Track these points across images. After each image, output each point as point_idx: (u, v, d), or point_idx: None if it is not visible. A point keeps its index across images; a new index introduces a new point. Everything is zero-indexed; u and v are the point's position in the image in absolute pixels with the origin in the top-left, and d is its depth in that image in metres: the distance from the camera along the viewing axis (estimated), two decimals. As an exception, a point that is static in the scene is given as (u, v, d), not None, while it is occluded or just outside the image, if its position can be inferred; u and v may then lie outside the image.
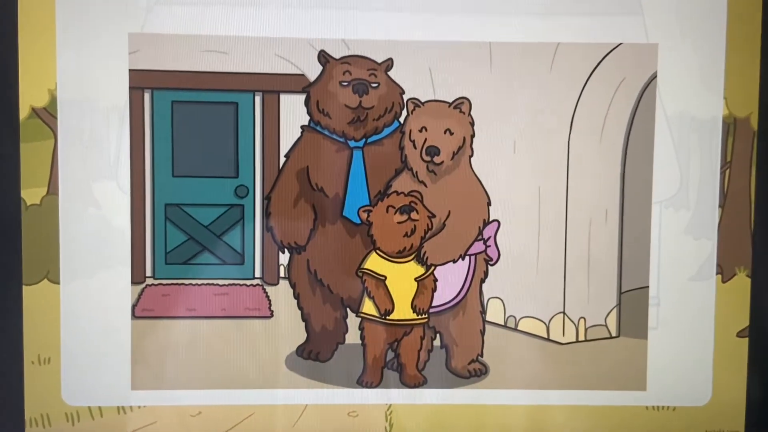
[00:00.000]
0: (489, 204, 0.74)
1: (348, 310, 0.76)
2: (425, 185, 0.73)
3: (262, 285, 0.76)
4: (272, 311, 0.75)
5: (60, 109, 0.71)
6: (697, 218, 0.75)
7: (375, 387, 0.75)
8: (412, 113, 0.73)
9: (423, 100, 0.73)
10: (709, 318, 0.76)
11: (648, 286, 0.76)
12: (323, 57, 0.72)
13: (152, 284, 0.75)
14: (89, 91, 0.71)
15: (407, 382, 0.76)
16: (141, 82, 0.72)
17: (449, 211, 0.74)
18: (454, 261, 0.74)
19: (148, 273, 0.75)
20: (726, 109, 0.74)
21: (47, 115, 0.71)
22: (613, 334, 0.77)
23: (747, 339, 0.76)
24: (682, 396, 0.77)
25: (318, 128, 0.73)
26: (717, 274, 0.76)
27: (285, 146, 0.74)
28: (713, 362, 0.76)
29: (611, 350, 0.76)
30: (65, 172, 0.72)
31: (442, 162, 0.72)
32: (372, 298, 0.74)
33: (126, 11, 0.71)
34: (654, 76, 0.74)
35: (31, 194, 0.72)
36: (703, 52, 0.74)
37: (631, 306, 0.76)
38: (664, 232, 0.75)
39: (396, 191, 0.73)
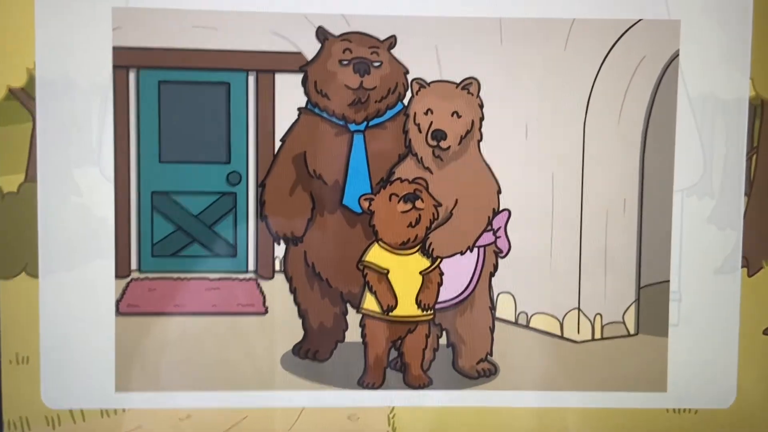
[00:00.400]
0: (499, 192, 0.73)
1: (348, 305, 0.75)
2: (431, 172, 0.71)
3: (256, 279, 0.75)
4: (267, 307, 0.74)
5: (39, 90, 0.69)
6: (721, 207, 0.74)
7: (377, 388, 0.74)
8: (416, 94, 0.71)
9: (428, 81, 0.71)
10: (734, 314, 0.75)
11: (669, 281, 0.75)
12: (322, 34, 0.71)
13: (138, 278, 0.74)
14: (70, 70, 0.69)
15: (411, 383, 0.74)
16: (125, 60, 0.70)
17: (456, 200, 0.72)
18: (462, 253, 0.73)
19: (134, 266, 0.74)
20: (753, 89, 0.73)
21: (25, 96, 0.69)
22: (632, 332, 0.76)
23: (774, 337, 0.75)
24: (705, 398, 0.76)
25: (316, 110, 0.72)
26: (743, 267, 0.74)
27: (280, 130, 0.72)
28: (738, 362, 0.75)
29: (629, 349, 0.75)
30: (44, 157, 0.70)
31: (449, 147, 0.71)
32: (374, 293, 0.73)
33: None
34: (676, 55, 0.72)
35: (7, 181, 0.70)
36: (729, 29, 0.72)
37: (651, 302, 0.75)
38: (687, 223, 0.74)
39: (399, 178, 0.72)
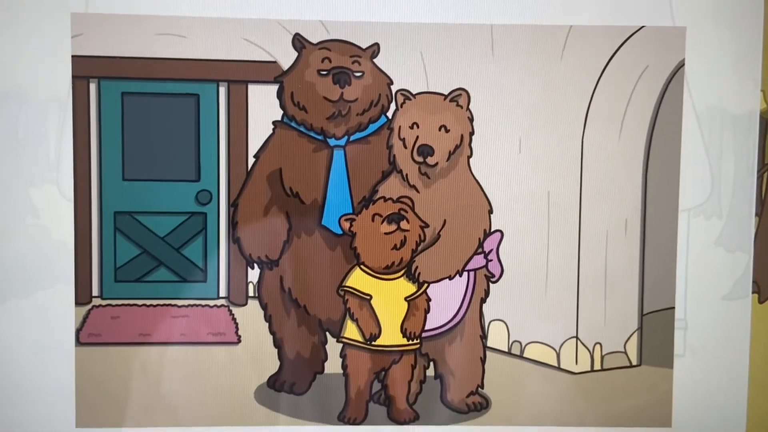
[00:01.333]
0: (490, 212, 0.71)
1: (327, 334, 0.73)
2: (417, 190, 0.70)
3: (227, 306, 0.73)
4: (240, 336, 0.72)
5: None
6: (730, 228, 0.72)
7: (359, 424, 0.72)
8: (401, 107, 0.69)
9: (414, 92, 0.69)
10: (744, 343, 0.73)
11: (674, 307, 0.73)
12: (299, 41, 0.69)
13: (99, 305, 0.72)
14: (26, 80, 0.68)
15: (396, 418, 0.73)
16: (86, 70, 0.69)
17: (445, 220, 0.70)
18: (450, 278, 0.71)
19: (95, 292, 0.72)
20: (764, 102, 0.71)
21: None
22: (634, 363, 0.74)
23: (787, 367, 0.74)
24: None
25: (293, 124, 0.70)
26: (753, 292, 0.73)
27: (254, 145, 0.71)
28: (748, 394, 0.73)
29: (631, 381, 0.74)
30: None
31: (437, 163, 0.69)
32: (355, 320, 0.71)
33: None
34: (681, 65, 0.70)
35: None
36: (738, 37, 0.70)
37: (655, 330, 0.73)
38: (693, 245, 0.72)
39: (383, 197, 0.70)
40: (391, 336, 0.71)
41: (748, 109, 0.71)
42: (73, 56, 0.68)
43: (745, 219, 0.72)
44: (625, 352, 0.73)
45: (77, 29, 0.67)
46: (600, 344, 0.73)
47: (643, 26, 0.69)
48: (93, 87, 0.70)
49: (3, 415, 0.70)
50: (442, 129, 0.69)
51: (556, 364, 0.73)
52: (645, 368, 0.73)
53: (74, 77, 0.68)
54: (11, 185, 0.68)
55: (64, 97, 0.68)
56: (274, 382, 0.72)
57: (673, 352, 0.73)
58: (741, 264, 0.72)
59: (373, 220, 0.69)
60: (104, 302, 0.72)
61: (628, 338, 0.73)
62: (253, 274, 0.72)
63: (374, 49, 0.69)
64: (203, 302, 0.73)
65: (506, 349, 0.73)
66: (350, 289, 0.70)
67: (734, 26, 0.70)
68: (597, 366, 0.73)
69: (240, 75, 0.69)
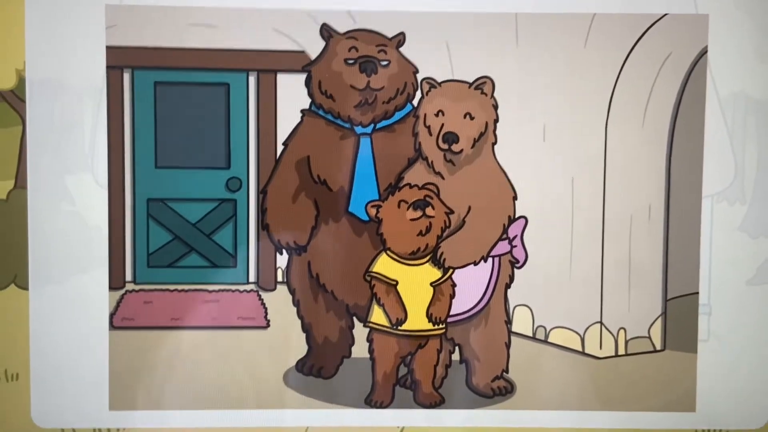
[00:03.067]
0: (515, 198, 0.73)
1: (354, 319, 0.74)
2: (442, 177, 0.71)
3: (257, 291, 0.75)
4: (269, 321, 0.74)
5: (29, 92, 0.70)
6: (754, 213, 0.73)
7: (385, 407, 0.74)
8: (427, 95, 0.71)
9: (439, 80, 0.71)
10: None
11: (698, 293, 0.74)
12: (326, 31, 0.71)
13: (133, 290, 0.74)
14: (62, 71, 0.70)
15: (422, 402, 0.74)
16: (120, 60, 0.71)
17: (469, 207, 0.72)
18: (476, 263, 0.73)
19: (129, 277, 0.74)
20: None
21: (14, 99, 0.70)
22: (658, 348, 0.75)
23: (812, 353, 0.75)
24: (737, 418, 0.75)
25: (320, 112, 0.72)
26: None
27: (283, 133, 0.73)
28: None
29: (655, 366, 0.75)
30: (35, 163, 0.71)
31: (462, 150, 0.71)
32: (382, 305, 0.72)
33: None
34: (704, 52, 0.72)
35: None
36: (761, 23, 0.72)
37: (679, 315, 0.75)
38: (717, 230, 0.74)
39: (409, 184, 0.71)
40: (417, 321, 0.72)
41: None
42: (107, 47, 0.70)
43: None
44: (650, 337, 0.75)
45: (111, 20, 0.70)
46: (624, 329, 0.75)
47: (666, 14, 0.71)
48: (126, 77, 0.72)
49: (40, 396, 0.72)
50: (467, 116, 0.70)
51: (580, 349, 0.75)
52: (669, 353, 0.75)
53: (108, 67, 0.70)
54: (49, 173, 0.70)
55: (98, 87, 0.70)
56: (302, 366, 0.74)
57: (697, 337, 0.74)
58: (764, 249, 0.73)
59: (398, 206, 0.70)
60: (137, 287, 0.73)
61: (652, 323, 0.75)
62: (282, 260, 0.74)
63: (400, 39, 0.71)
64: (233, 287, 0.74)
65: (531, 334, 0.75)
66: (377, 275, 0.72)
67: (756, 13, 0.71)
68: (621, 351, 0.75)
69: (269, 64, 0.71)
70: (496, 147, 0.72)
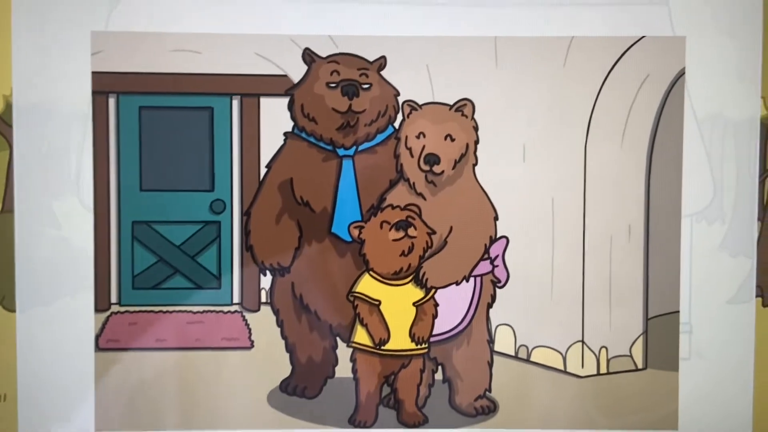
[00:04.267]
0: (496, 219, 0.74)
1: (338, 339, 0.75)
2: (424, 198, 0.73)
3: (241, 312, 0.76)
4: (253, 341, 0.76)
5: (16, 117, 0.72)
6: (733, 233, 0.75)
7: (369, 427, 0.75)
8: (408, 117, 0.73)
9: (420, 103, 0.73)
10: (749, 347, 0.75)
11: (678, 311, 0.75)
12: (308, 56, 0.73)
13: (118, 312, 0.75)
14: (48, 96, 0.72)
15: (406, 421, 0.75)
16: (105, 85, 0.73)
17: (451, 227, 0.73)
18: (458, 283, 0.74)
19: (114, 299, 0.75)
20: (764, 109, 0.74)
21: (2, 124, 0.72)
22: (640, 366, 0.76)
23: (793, 370, 0.76)
24: None
25: (303, 135, 0.73)
26: (757, 296, 0.75)
27: (266, 156, 0.74)
28: (753, 397, 0.75)
29: (637, 384, 0.76)
30: (22, 187, 0.72)
31: (443, 172, 0.72)
32: (365, 325, 0.73)
33: (88, 7, 0.72)
34: (682, 73, 0.74)
35: None
36: (737, 45, 0.73)
37: (660, 334, 0.76)
38: (697, 249, 0.75)
39: (391, 205, 0.73)
40: (400, 341, 0.73)
41: (749, 116, 0.73)
42: (93, 72, 0.71)
43: (747, 224, 0.74)
44: (631, 356, 0.76)
45: (97, 46, 0.71)
46: (606, 348, 0.76)
47: (643, 36, 0.73)
48: (112, 102, 0.73)
49: (28, 417, 0.73)
50: (448, 138, 0.71)
51: (562, 368, 0.76)
52: (651, 372, 0.76)
53: (94, 92, 0.72)
54: (35, 197, 0.72)
55: (84, 112, 0.72)
56: (286, 386, 0.75)
57: (678, 355, 0.75)
58: (744, 268, 0.74)
59: (381, 227, 0.71)
60: (122, 309, 0.74)
61: (634, 342, 0.76)
62: (266, 281, 0.75)
63: (381, 62, 0.72)
64: (217, 308, 0.76)
65: (513, 353, 0.76)
66: (360, 295, 0.73)
67: (734, 34, 0.73)
68: (603, 370, 0.76)
69: (252, 88, 0.73)
70: (476, 168, 0.73)
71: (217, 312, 0.76)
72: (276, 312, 0.75)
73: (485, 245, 0.74)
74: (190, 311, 0.75)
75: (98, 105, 0.73)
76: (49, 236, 0.72)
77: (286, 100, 0.73)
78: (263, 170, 0.74)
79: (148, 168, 0.74)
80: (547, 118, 0.73)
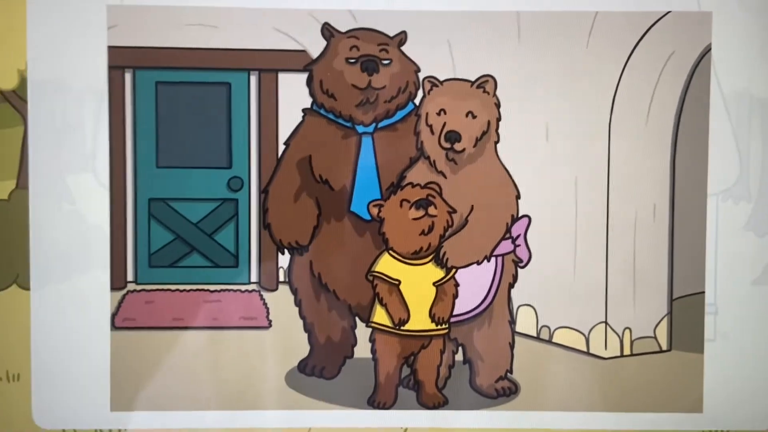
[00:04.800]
0: (518, 197, 0.74)
1: (357, 319, 0.76)
2: (444, 176, 0.73)
3: (258, 291, 0.76)
4: (270, 321, 0.76)
5: (30, 92, 0.72)
6: (760, 211, 0.74)
7: (388, 408, 0.75)
8: (428, 94, 0.73)
9: (441, 79, 0.73)
10: None
11: (704, 292, 0.75)
12: (327, 30, 0.73)
13: (134, 290, 0.75)
14: (63, 71, 0.72)
15: (425, 403, 0.75)
16: (121, 60, 0.73)
17: (472, 206, 0.73)
18: (479, 263, 0.74)
19: (130, 277, 0.76)
20: None
21: (16, 99, 0.72)
22: (664, 348, 0.76)
23: (820, 353, 0.75)
24: (744, 419, 0.76)
25: (322, 112, 0.73)
26: None
27: (284, 133, 0.74)
28: None
29: (661, 366, 0.76)
30: (36, 163, 0.72)
31: (464, 149, 0.72)
32: (384, 305, 0.74)
33: None
34: (708, 50, 0.73)
35: None
36: (763, 21, 0.73)
37: (685, 315, 0.76)
38: (722, 229, 0.75)
39: (411, 183, 0.73)
40: (419, 321, 0.73)
41: None
42: (108, 47, 0.71)
43: None
44: (655, 337, 0.76)
45: (113, 21, 0.71)
46: (629, 329, 0.76)
47: (668, 12, 0.72)
48: (128, 77, 0.73)
49: (42, 397, 0.73)
50: (469, 115, 0.71)
51: (585, 350, 0.76)
52: (675, 353, 0.76)
53: (110, 67, 0.72)
54: (50, 173, 0.72)
55: (100, 87, 0.72)
56: (304, 366, 0.75)
57: (703, 336, 0.75)
58: None
59: (401, 205, 0.71)
60: (139, 287, 0.75)
61: (658, 323, 0.76)
62: (284, 260, 0.75)
63: (402, 37, 0.72)
64: (235, 287, 0.76)
65: (535, 334, 0.76)
66: (379, 275, 0.73)
67: (760, 10, 0.73)
68: (627, 351, 0.76)
69: (270, 64, 0.73)
70: (498, 146, 0.73)
71: (235, 291, 0.76)
72: (294, 291, 0.75)
73: (507, 224, 0.74)
74: (208, 290, 0.76)
75: (114, 80, 0.73)
76: (64, 213, 0.73)
77: (304, 76, 0.73)
78: (281, 147, 0.74)
79: (165, 144, 0.74)
80: (571, 95, 0.73)
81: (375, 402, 0.75)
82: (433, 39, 0.72)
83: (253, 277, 0.76)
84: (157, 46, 0.72)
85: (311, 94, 0.73)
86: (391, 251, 0.73)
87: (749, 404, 0.75)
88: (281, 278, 0.76)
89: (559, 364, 0.76)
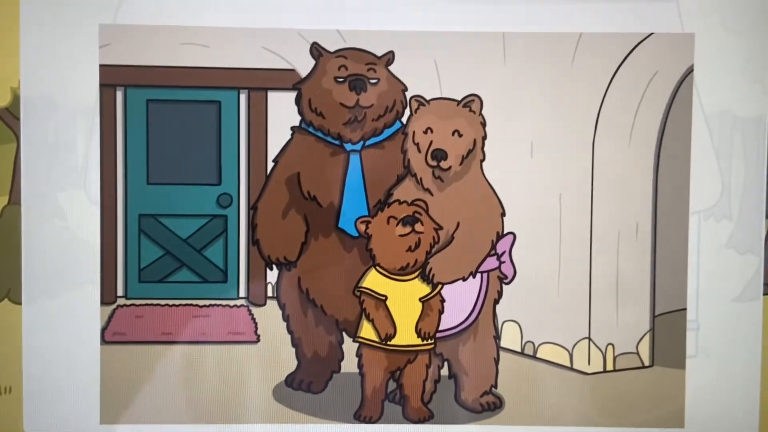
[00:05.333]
0: (503, 215, 0.75)
1: (344, 334, 0.76)
2: (431, 193, 0.73)
3: (247, 306, 0.77)
4: (259, 336, 0.76)
5: (23, 110, 0.73)
6: (741, 230, 0.75)
7: (375, 422, 0.76)
8: (415, 113, 0.73)
9: (428, 98, 0.74)
10: (756, 345, 0.76)
11: (685, 309, 0.76)
12: (316, 50, 0.73)
13: (124, 305, 0.76)
14: (56, 89, 0.73)
15: (411, 417, 0.76)
16: (113, 78, 0.73)
17: (458, 223, 0.74)
18: (464, 279, 0.75)
19: (120, 292, 0.76)
20: None
21: (9, 117, 0.73)
22: (646, 364, 0.77)
23: (800, 369, 0.76)
24: None
25: (310, 130, 0.74)
26: (764, 294, 0.75)
27: (273, 150, 0.75)
28: (760, 395, 0.76)
29: (644, 382, 0.77)
30: (28, 179, 0.73)
31: (450, 167, 0.73)
32: (371, 320, 0.74)
33: (96, 0, 0.72)
34: (690, 70, 0.74)
35: None
36: (746, 42, 0.74)
37: (667, 331, 0.76)
38: (704, 247, 0.75)
39: (398, 200, 0.73)
40: (406, 336, 0.74)
41: (758, 113, 0.74)
42: (100, 65, 0.72)
43: (755, 221, 0.75)
44: (638, 353, 0.76)
45: (105, 39, 0.72)
46: (612, 345, 0.76)
47: (651, 33, 0.73)
48: (119, 95, 0.74)
49: (33, 410, 0.74)
50: (456, 134, 0.72)
51: (569, 365, 0.76)
52: (657, 369, 0.76)
53: (102, 85, 0.72)
54: (42, 189, 0.72)
55: (91, 105, 0.73)
56: (291, 381, 0.75)
57: (685, 353, 0.75)
58: (752, 266, 0.75)
59: (388, 222, 0.72)
60: (128, 302, 0.75)
61: (641, 339, 0.76)
62: (272, 275, 0.75)
63: (389, 57, 0.73)
64: (224, 302, 0.76)
65: (519, 350, 0.76)
66: (366, 290, 0.73)
67: (742, 31, 0.73)
68: (609, 367, 0.76)
69: (260, 82, 0.74)
70: (484, 164, 0.74)
71: (224, 306, 0.76)
72: (282, 306, 0.76)
73: (492, 241, 0.74)
74: (197, 305, 0.76)
75: (106, 98, 0.73)
76: (56, 229, 0.73)
77: (293, 95, 0.73)
78: (270, 164, 0.74)
79: (156, 161, 0.75)
80: (555, 114, 0.74)
81: (361, 416, 0.75)
82: (420, 59, 0.73)
83: (242, 293, 0.76)
84: (149, 65, 0.73)
85: (300, 112, 0.74)
86: (378, 267, 0.73)
87: (730, 419, 0.76)
88: (269, 293, 0.76)
89: (543, 380, 0.76)
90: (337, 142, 0.74)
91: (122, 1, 0.72)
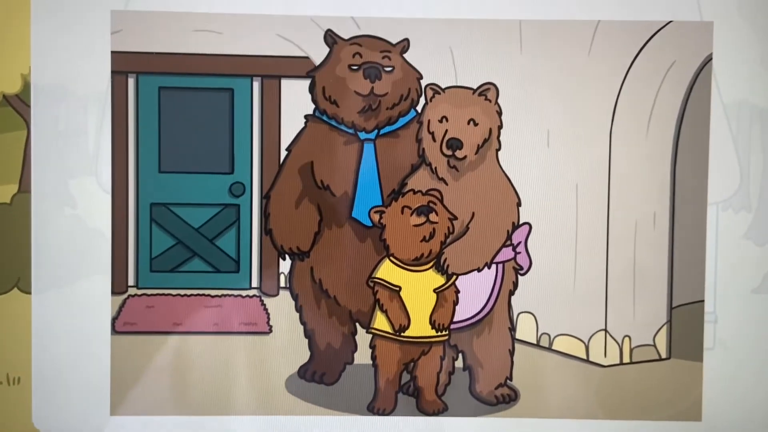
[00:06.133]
0: (519, 205, 0.75)
1: (357, 325, 0.76)
2: (446, 183, 0.73)
3: (259, 296, 0.77)
4: (271, 326, 0.76)
5: (34, 97, 0.73)
6: (759, 221, 0.75)
7: (388, 414, 0.76)
8: (430, 101, 0.73)
9: (443, 87, 0.74)
10: None
11: (703, 300, 0.76)
12: (330, 37, 0.73)
13: (135, 295, 0.76)
14: (67, 76, 0.73)
15: (425, 409, 0.76)
16: (124, 65, 0.73)
17: (473, 213, 0.74)
18: (479, 270, 0.75)
19: (131, 282, 0.76)
20: None
21: (20, 103, 0.73)
22: (663, 356, 0.77)
23: (819, 362, 0.76)
24: (743, 427, 0.76)
25: (324, 118, 0.74)
26: None
27: (286, 139, 0.75)
28: None
29: (661, 374, 0.77)
30: (39, 167, 0.73)
31: (465, 156, 0.73)
32: (385, 311, 0.74)
33: None
34: (709, 59, 0.74)
35: (0, 192, 0.73)
36: (766, 31, 0.74)
37: (684, 323, 0.76)
38: (722, 238, 0.75)
39: (412, 190, 0.73)
40: (420, 327, 0.74)
41: None
42: (112, 52, 0.72)
43: None
44: (655, 346, 0.76)
45: (117, 26, 0.72)
46: (629, 337, 0.76)
47: (670, 21, 0.73)
48: (131, 82, 0.74)
49: (42, 401, 0.74)
50: (471, 122, 0.72)
51: (585, 357, 0.76)
52: (674, 361, 0.76)
53: (113, 72, 0.73)
54: (52, 177, 0.73)
55: (103, 92, 0.73)
56: (304, 372, 0.75)
57: (702, 345, 0.75)
58: None
59: (402, 212, 0.72)
60: (140, 292, 0.75)
61: (657, 331, 0.76)
62: (285, 265, 0.75)
63: (404, 45, 0.73)
64: (236, 292, 0.76)
65: (535, 342, 0.76)
66: (380, 281, 0.74)
67: (761, 20, 0.73)
68: (626, 359, 0.76)
69: (273, 70, 0.74)
70: (500, 153, 0.74)
71: (236, 296, 0.76)
72: (295, 297, 0.76)
73: (507, 231, 0.74)
74: (208, 295, 0.76)
75: (117, 85, 0.74)
76: (66, 218, 0.73)
77: (307, 82, 0.74)
78: (283, 153, 0.74)
79: (167, 149, 0.75)
80: (572, 103, 0.74)
81: (375, 408, 0.75)
82: (435, 46, 0.73)
83: (254, 283, 0.77)
84: (161, 52, 0.73)
85: (314, 100, 0.74)
86: (392, 257, 0.73)
87: (748, 412, 0.76)
88: (282, 284, 0.76)
89: (559, 372, 0.76)
90: (351, 131, 0.74)
91: (134, -13, 0.73)
